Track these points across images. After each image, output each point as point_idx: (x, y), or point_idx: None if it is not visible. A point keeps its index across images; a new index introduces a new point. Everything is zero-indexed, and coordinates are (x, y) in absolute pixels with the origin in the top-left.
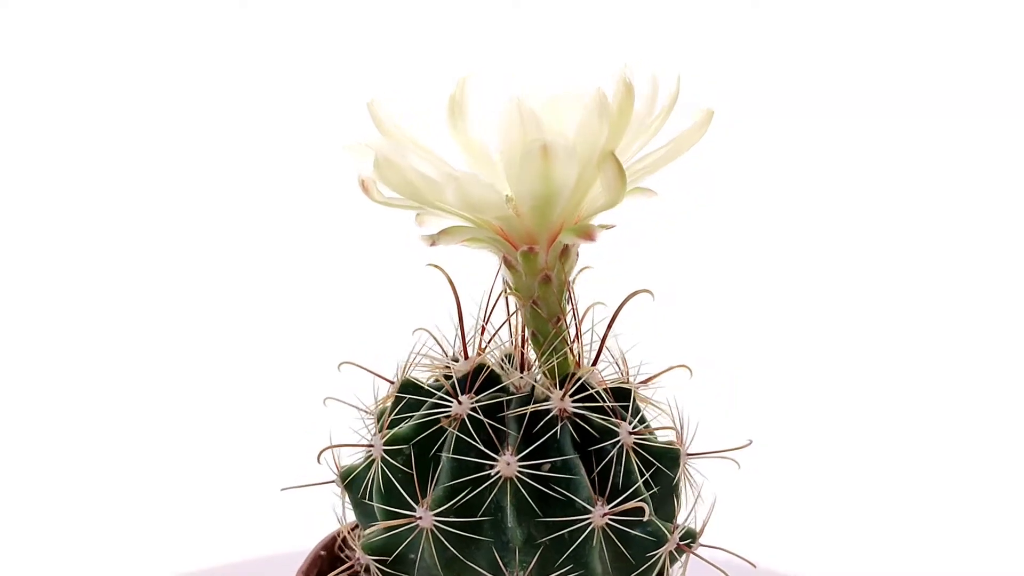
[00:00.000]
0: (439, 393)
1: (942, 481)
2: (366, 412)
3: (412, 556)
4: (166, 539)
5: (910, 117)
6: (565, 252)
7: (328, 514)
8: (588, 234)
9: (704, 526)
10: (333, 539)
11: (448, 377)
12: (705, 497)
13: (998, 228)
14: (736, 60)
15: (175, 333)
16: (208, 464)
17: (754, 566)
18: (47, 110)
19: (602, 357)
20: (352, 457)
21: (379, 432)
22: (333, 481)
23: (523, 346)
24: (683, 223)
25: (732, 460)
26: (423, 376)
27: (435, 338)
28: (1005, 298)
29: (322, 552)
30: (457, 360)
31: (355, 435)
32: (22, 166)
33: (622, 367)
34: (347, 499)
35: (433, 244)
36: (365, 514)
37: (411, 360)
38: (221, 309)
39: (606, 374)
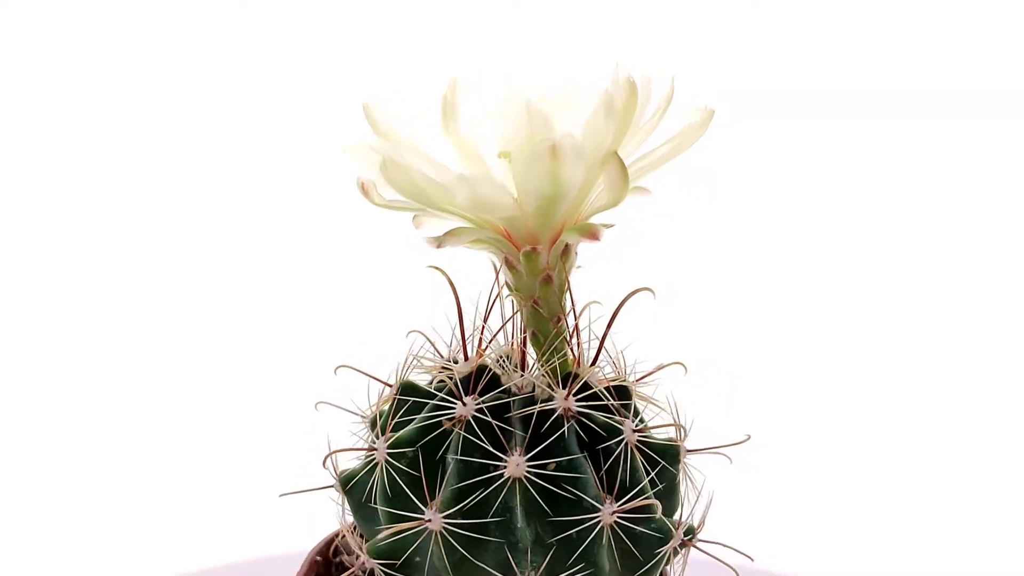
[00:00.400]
0: (441, 395)
1: (941, 480)
2: (361, 416)
3: (419, 559)
4: (166, 539)
5: (910, 117)
6: (566, 252)
7: (326, 515)
8: (592, 233)
9: (703, 522)
10: (329, 543)
11: (449, 378)
12: (704, 494)
13: (998, 228)
14: (736, 60)
15: (174, 335)
16: (208, 465)
17: (752, 560)
18: (45, 110)
19: (600, 356)
20: (351, 461)
21: (381, 435)
22: (332, 486)
23: (523, 346)
24: (683, 222)
25: (725, 456)
26: (420, 378)
27: (430, 340)
28: (1005, 298)
29: (318, 557)
30: (456, 361)
31: (353, 437)
32: (20, 167)
33: (620, 366)
34: (346, 504)
35: (439, 246)
36: (367, 519)
37: (409, 362)
38: (219, 311)
39: (604, 372)
